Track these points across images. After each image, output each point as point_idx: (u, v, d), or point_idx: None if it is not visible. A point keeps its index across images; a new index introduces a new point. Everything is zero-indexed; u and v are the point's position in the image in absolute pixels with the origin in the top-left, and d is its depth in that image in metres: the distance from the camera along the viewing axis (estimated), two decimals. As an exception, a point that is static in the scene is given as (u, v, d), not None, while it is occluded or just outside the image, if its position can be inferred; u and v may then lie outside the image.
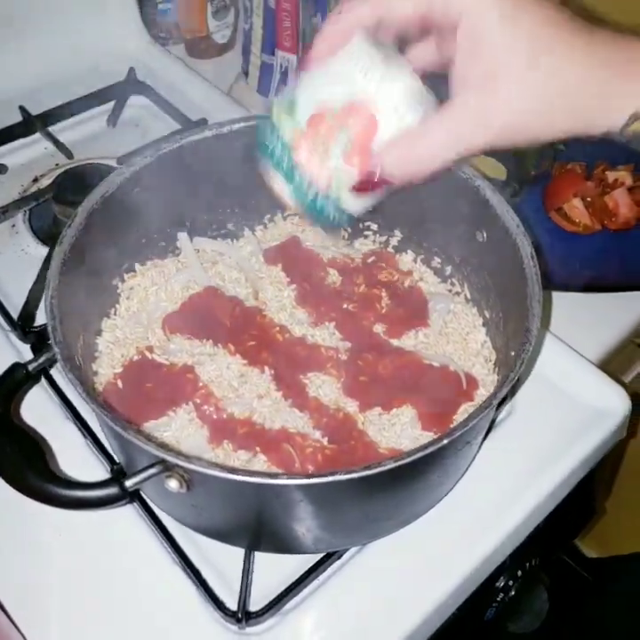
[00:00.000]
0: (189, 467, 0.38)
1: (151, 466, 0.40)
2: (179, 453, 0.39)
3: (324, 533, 0.48)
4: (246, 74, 0.88)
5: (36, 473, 0.37)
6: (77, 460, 0.55)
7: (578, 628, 0.75)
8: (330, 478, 0.38)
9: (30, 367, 0.45)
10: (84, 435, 0.56)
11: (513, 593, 0.58)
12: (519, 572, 0.58)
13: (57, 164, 0.80)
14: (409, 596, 0.50)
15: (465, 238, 0.57)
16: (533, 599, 0.63)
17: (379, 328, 0.60)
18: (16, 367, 0.44)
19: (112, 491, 0.39)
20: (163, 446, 0.40)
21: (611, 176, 0.76)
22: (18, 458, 0.38)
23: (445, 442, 0.39)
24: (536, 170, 0.75)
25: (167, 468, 0.40)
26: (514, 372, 0.43)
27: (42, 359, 0.45)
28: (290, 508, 0.43)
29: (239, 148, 0.58)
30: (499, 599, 0.58)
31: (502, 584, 0.58)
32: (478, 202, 0.53)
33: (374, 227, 0.66)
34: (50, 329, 0.43)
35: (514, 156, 0.56)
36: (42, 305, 0.63)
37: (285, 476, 0.39)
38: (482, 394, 0.55)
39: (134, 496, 0.49)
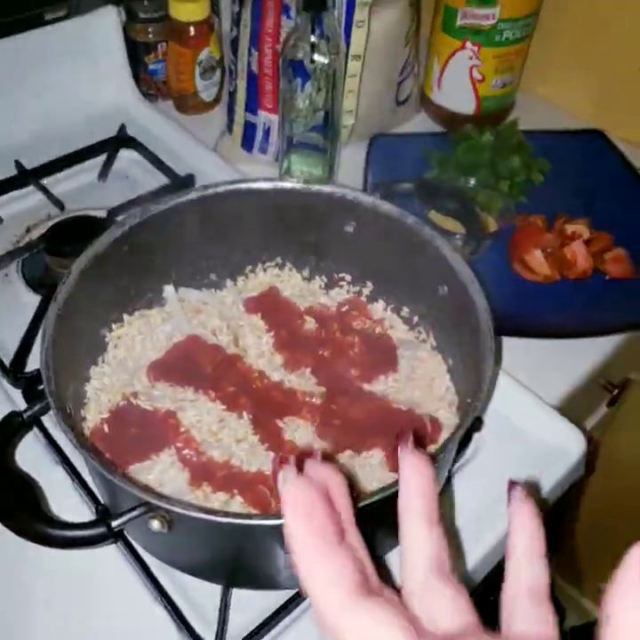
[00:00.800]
0: (171, 508, 0.42)
1: (135, 508, 0.43)
2: (161, 496, 0.43)
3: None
4: (231, 131, 0.93)
5: (30, 515, 0.41)
6: (66, 501, 0.58)
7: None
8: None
9: (25, 415, 0.48)
10: (71, 477, 0.59)
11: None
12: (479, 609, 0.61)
13: (49, 215, 0.84)
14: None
15: (429, 291, 0.62)
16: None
17: (352, 373, 0.65)
18: (12, 416, 0.48)
19: (100, 531, 0.42)
20: (146, 489, 0.43)
21: (569, 228, 0.82)
22: (14, 501, 0.41)
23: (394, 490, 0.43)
24: (500, 223, 0.80)
25: (150, 510, 0.43)
26: (466, 420, 0.47)
27: (36, 408, 0.49)
28: (264, 546, 0.46)
29: (222, 208, 0.63)
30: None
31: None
32: (439, 259, 0.58)
33: (348, 278, 0.70)
34: (45, 381, 0.47)
35: (472, 215, 0.60)
36: (33, 351, 0.68)
37: (259, 517, 0.42)
38: (445, 437, 0.59)
39: (119, 535, 0.52)
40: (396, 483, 0.43)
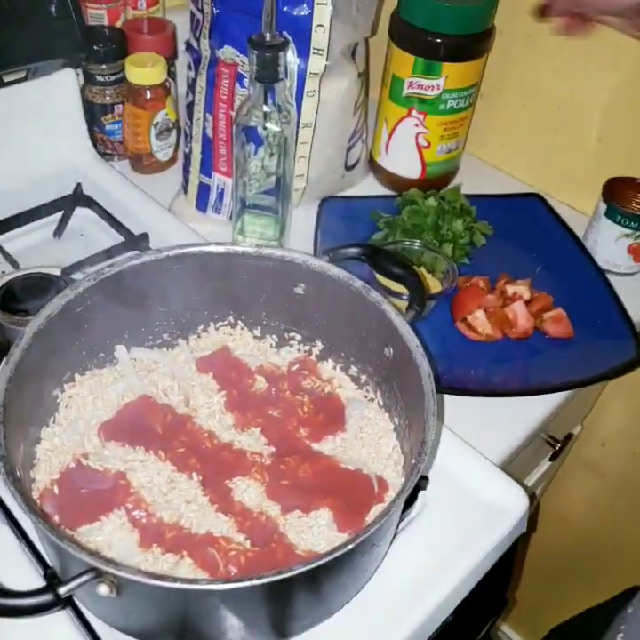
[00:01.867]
0: (118, 574, 0.42)
1: (84, 573, 0.44)
2: (109, 561, 0.43)
3: (242, 633, 0.51)
4: (186, 191, 0.95)
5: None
6: (11, 564, 0.57)
7: None
8: (242, 584, 0.42)
9: (-28, 479, 0.48)
10: (19, 539, 0.59)
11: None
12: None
13: (2, 272, 0.84)
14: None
15: (375, 352, 0.64)
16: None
17: (301, 432, 0.66)
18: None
19: (46, 598, 0.43)
20: (94, 554, 0.44)
21: (510, 289, 0.86)
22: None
23: (350, 547, 0.44)
24: (443, 285, 0.84)
25: (99, 574, 0.44)
26: (410, 481, 0.49)
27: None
28: (210, 609, 0.47)
29: (175, 270, 0.65)
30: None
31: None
32: (385, 322, 0.61)
33: (298, 337, 0.72)
34: (-6, 444, 0.48)
35: (416, 281, 0.64)
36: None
37: (204, 582, 0.43)
38: (391, 496, 0.60)
39: (67, 602, 0.52)
40: (334, 548, 0.45)
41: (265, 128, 0.79)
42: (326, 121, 0.89)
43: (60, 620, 0.54)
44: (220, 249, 0.66)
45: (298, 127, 0.86)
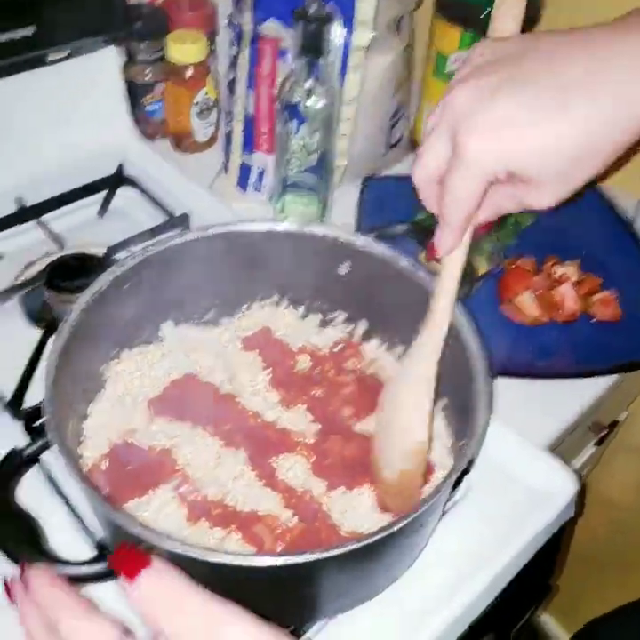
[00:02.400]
0: (169, 548, 0.42)
1: (135, 545, 0.44)
2: (160, 534, 0.43)
3: (286, 611, 0.52)
4: (226, 170, 0.95)
5: (34, 552, 0.41)
6: (63, 539, 0.58)
7: None
8: (294, 559, 0.42)
9: (25, 453, 0.49)
10: (70, 514, 0.59)
11: (469, 667, 0.61)
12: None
13: (48, 252, 0.85)
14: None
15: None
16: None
17: (345, 412, 0.66)
18: (13, 454, 0.49)
19: (101, 568, 0.43)
20: (145, 527, 0.44)
21: (558, 271, 0.84)
22: (16, 538, 0.42)
23: (395, 529, 0.44)
24: (489, 266, 0.82)
25: (150, 548, 0.44)
26: (461, 462, 0.48)
27: (37, 445, 0.49)
28: (257, 586, 0.47)
29: (220, 248, 0.65)
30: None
31: (459, 658, 0.61)
32: (433, 302, 0.60)
33: (342, 317, 0.71)
34: (46, 419, 0.48)
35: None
36: (32, 386, 0.68)
37: (255, 557, 0.43)
38: (438, 477, 0.60)
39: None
40: (383, 528, 0.44)
41: (307, 105, 0.79)
42: (369, 97, 0.88)
43: (110, 593, 0.55)
44: (264, 227, 0.65)
45: (341, 103, 0.85)
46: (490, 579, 0.59)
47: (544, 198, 0.49)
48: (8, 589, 0.41)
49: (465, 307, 0.59)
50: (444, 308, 0.55)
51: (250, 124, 0.89)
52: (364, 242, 0.64)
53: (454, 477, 0.48)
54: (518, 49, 0.47)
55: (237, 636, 0.34)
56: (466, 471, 0.62)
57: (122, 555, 0.38)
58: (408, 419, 0.57)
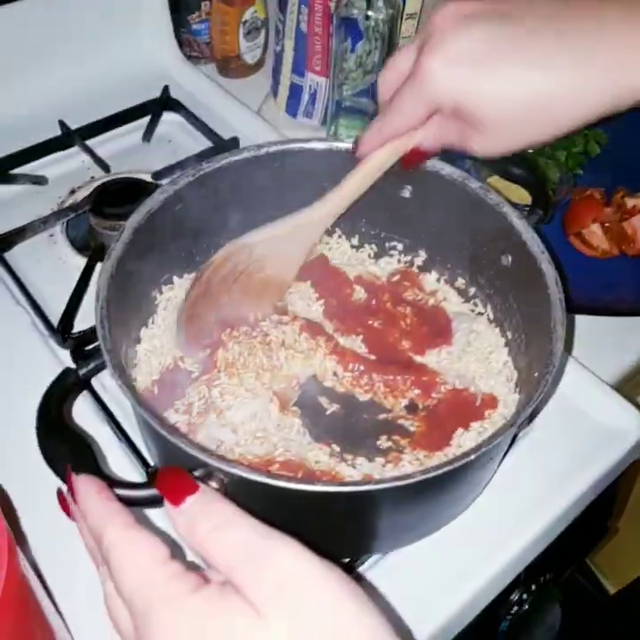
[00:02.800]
0: (232, 471, 0.40)
1: (194, 469, 0.42)
2: (221, 457, 0.41)
3: (349, 540, 0.50)
4: (275, 94, 0.91)
5: (87, 472, 0.39)
6: (111, 463, 0.57)
7: (590, 642, 0.76)
8: (364, 487, 0.40)
9: (80, 373, 0.47)
10: (120, 439, 0.58)
11: (526, 606, 0.60)
12: (533, 587, 0.60)
13: (92, 177, 0.83)
14: (425, 606, 0.51)
15: (490, 261, 0.60)
16: (546, 614, 0.65)
17: (404, 344, 0.63)
18: (68, 373, 0.47)
19: (150, 493, 0.41)
20: (205, 449, 0.42)
21: (629, 202, 0.79)
22: (72, 458, 0.40)
23: (472, 457, 0.41)
24: (556, 195, 0.77)
25: (208, 473, 0.42)
26: (538, 391, 0.45)
27: (91, 366, 0.48)
28: (321, 514, 0.45)
29: (274, 168, 0.61)
30: (512, 612, 0.60)
31: (516, 597, 0.60)
32: (504, 228, 0.56)
33: (400, 247, 0.68)
34: (100, 338, 0.46)
35: (541, 183, 0.58)
36: (80, 312, 0.67)
37: (321, 484, 0.41)
38: (501, 412, 0.57)
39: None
40: (457, 457, 0.42)
41: (367, 17, 0.73)
42: (431, 11, 0.82)
43: (160, 514, 0.54)
44: (322, 146, 0.61)
45: (401, 19, 0.79)
46: (553, 517, 0.56)
47: (486, 146, 0.47)
48: (61, 500, 0.40)
49: (540, 234, 0.55)
50: (342, 199, 0.57)
51: (302, 42, 0.84)
52: (431, 162, 0.59)
53: (530, 410, 0.45)
54: None
55: (286, 562, 0.32)
56: (537, 408, 0.59)
57: (167, 478, 0.37)
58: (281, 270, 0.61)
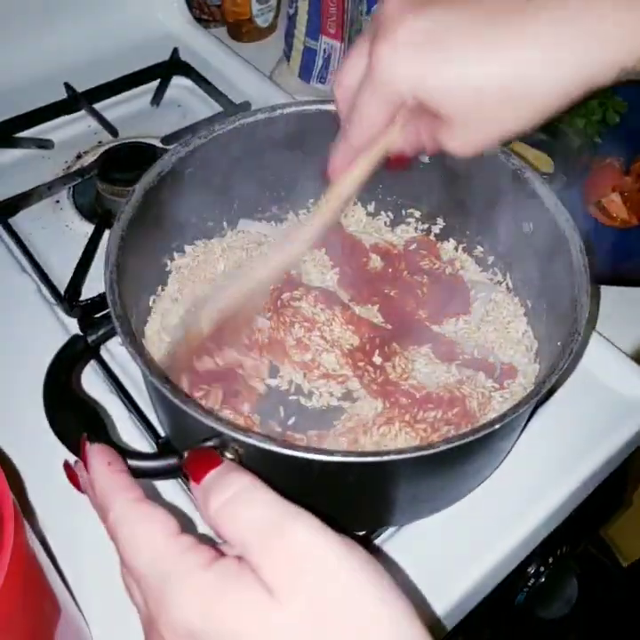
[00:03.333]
0: (248, 441, 0.39)
1: (208, 439, 0.41)
2: (236, 426, 0.40)
3: (367, 512, 0.49)
4: (288, 58, 0.88)
5: (98, 442, 0.38)
6: (123, 434, 0.56)
7: (607, 616, 0.76)
8: (383, 457, 0.39)
9: (89, 339, 0.46)
10: (128, 409, 0.57)
11: (543, 579, 0.59)
12: (550, 559, 0.59)
13: (100, 142, 0.81)
14: (442, 578, 0.51)
15: (510, 229, 0.58)
16: (563, 586, 0.64)
17: (421, 314, 0.61)
18: (76, 339, 0.46)
19: (171, 462, 0.40)
20: (220, 418, 0.41)
21: (648, 172, 0.77)
22: (80, 427, 0.39)
23: (497, 426, 0.40)
24: (576, 164, 0.75)
25: (223, 443, 0.41)
26: (563, 360, 0.43)
27: (100, 332, 0.46)
28: (338, 485, 0.44)
29: (289, 132, 0.59)
30: (529, 584, 0.59)
31: (533, 570, 0.59)
32: (526, 194, 0.54)
33: (417, 214, 0.66)
34: (110, 302, 0.44)
35: (565, 148, 0.56)
36: (87, 280, 0.65)
37: (339, 454, 0.40)
38: (521, 382, 0.55)
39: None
40: (482, 426, 0.41)
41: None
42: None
43: (172, 488, 0.53)
44: (339, 108, 0.59)
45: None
46: (571, 489, 0.55)
47: (456, 142, 0.42)
48: (69, 472, 0.38)
49: (563, 199, 0.53)
50: (310, 232, 0.51)
51: (316, 4, 0.81)
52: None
53: (554, 379, 0.43)
54: None
55: (302, 542, 0.31)
56: (558, 382, 0.58)
57: (196, 458, 0.36)
58: None
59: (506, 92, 0.38)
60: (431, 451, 0.39)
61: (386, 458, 0.39)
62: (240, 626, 0.29)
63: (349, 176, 0.48)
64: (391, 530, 0.53)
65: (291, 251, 0.51)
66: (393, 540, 0.52)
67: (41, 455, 0.47)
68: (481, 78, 0.38)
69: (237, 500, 0.33)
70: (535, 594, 0.60)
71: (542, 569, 0.59)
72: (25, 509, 0.41)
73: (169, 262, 0.60)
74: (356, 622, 0.29)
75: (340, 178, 0.48)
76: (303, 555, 0.30)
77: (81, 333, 0.47)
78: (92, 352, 0.48)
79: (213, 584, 0.30)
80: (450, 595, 0.50)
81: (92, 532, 0.51)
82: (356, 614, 0.29)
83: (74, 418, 0.41)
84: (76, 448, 0.40)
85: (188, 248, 0.61)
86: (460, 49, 0.38)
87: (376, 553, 0.51)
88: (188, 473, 0.35)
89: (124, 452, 0.40)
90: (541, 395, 0.43)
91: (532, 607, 0.63)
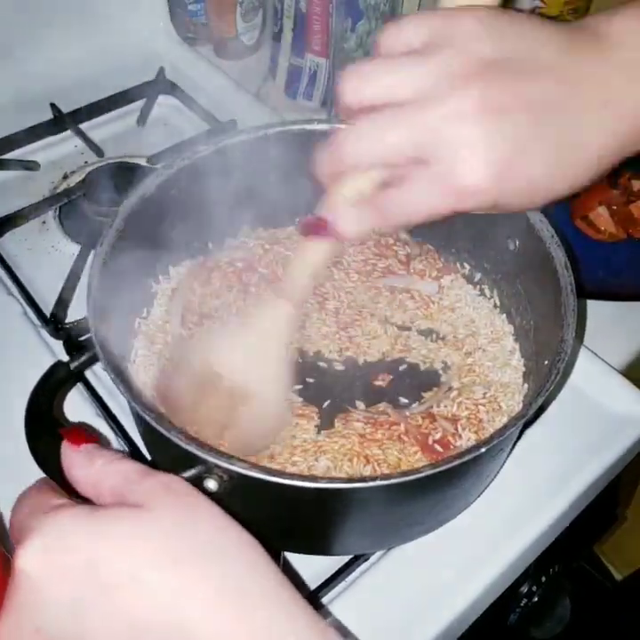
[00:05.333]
0: (231, 468, 0.39)
1: (191, 466, 0.40)
2: (220, 453, 0.40)
3: (354, 536, 0.48)
4: (274, 76, 0.88)
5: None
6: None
7: (600, 634, 0.76)
8: (369, 483, 0.38)
9: (72, 366, 0.45)
10: (115, 433, 0.56)
11: (536, 599, 0.59)
12: (543, 578, 0.59)
13: (86, 162, 0.80)
14: (434, 600, 0.50)
15: (496, 246, 0.58)
16: (556, 605, 0.64)
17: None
18: (58, 366, 0.45)
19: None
20: (204, 445, 0.40)
21: (635, 184, 0.77)
22: (59, 456, 0.38)
23: (483, 449, 0.40)
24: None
25: (207, 469, 0.40)
26: (549, 382, 0.43)
27: (83, 358, 0.46)
28: (324, 510, 0.44)
29: (272, 152, 0.59)
30: (522, 604, 0.59)
31: (526, 590, 0.58)
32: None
33: (403, 236, 0.66)
34: (92, 329, 0.44)
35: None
36: (73, 302, 0.65)
37: (325, 481, 0.39)
38: (509, 402, 0.55)
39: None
40: (467, 450, 0.40)
41: (369, -6, 0.71)
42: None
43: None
44: (325, 127, 0.59)
45: (403, -3, 0.77)
46: (563, 507, 0.55)
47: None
48: None
49: (548, 216, 0.53)
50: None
51: (301, 22, 0.82)
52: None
53: (541, 400, 0.43)
54: (517, 49, 0.38)
55: (180, 483, 0.34)
56: (547, 400, 0.58)
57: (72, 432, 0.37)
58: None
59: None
60: (416, 476, 0.39)
61: (371, 484, 0.39)
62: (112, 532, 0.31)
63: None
64: (380, 552, 0.52)
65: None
66: (382, 563, 0.52)
67: (24, 482, 0.46)
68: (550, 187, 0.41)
69: (116, 460, 0.35)
70: (528, 614, 0.59)
71: (535, 588, 0.58)
72: (3, 537, 0.41)
73: (154, 284, 0.59)
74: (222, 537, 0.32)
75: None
76: (176, 483, 0.34)
77: (64, 360, 0.47)
78: (76, 378, 0.47)
79: (92, 510, 0.32)
80: (441, 617, 0.50)
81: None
82: (221, 531, 0.33)
83: (55, 446, 0.40)
84: (54, 476, 0.40)
85: (172, 270, 0.60)
86: (546, 166, 0.39)
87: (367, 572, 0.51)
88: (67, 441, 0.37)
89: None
90: (528, 416, 0.42)
91: (525, 627, 0.62)
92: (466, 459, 0.39)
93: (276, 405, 0.52)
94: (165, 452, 0.47)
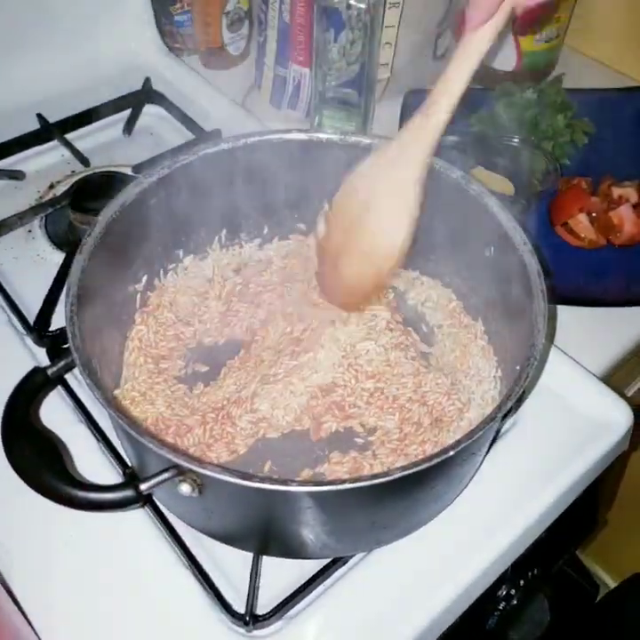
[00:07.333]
0: (203, 472, 0.39)
1: (165, 470, 0.41)
2: (192, 458, 0.40)
3: (331, 539, 0.49)
4: (259, 86, 0.89)
5: (54, 475, 0.38)
6: (91, 464, 0.56)
7: (578, 638, 0.76)
8: (339, 486, 0.39)
9: (49, 372, 0.46)
10: (97, 439, 0.57)
11: (514, 602, 0.59)
12: (521, 582, 0.59)
13: (73, 171, 0.81)
14: (412, 603, 0.51)
15: (473, 253, 0.59)
16: (534, 609, 0.64)
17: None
18: (36, 371, 0.46)
19: (127, 494, 0.40)
20: (176, 450, 0.41)
21: (616, 192, 0.78)
22: (37, 460, 0.39)
23: (451, 453, 0.40)
24: (542, 185, 0.76)
25: (180, 473, 0.41)
26: (518, 386, 0.44)
27: (60, 364, 0.46)
28: (299, 513, 0.44)
29: (254, 160, 0.60)
30: (500, 608, 0.59)
31: (504, 593, 0.59)
32: (487, 219, 0.55)
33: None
34: (69, 335, 0.45)
35: (523, 173, 0.57)
36: (57, 309, 0.65)
37: (296, 484, 0.40)
38: (483, 406, 0.56)
39: (147, 499, 0.50)
40: (436, 453, 0.41)
41: (349, 6, 0.72)
42: (415, 2, 0.80)
43: (141, 518, 0.53)
44: (303, 136, 0.60)
45: (384, 8, 0.78)
46: (539, 512, 0.55)
47: None
48: None
49: (522, 223, 0.54)
50: (451, 93, 0.48)
51: (285, 33, 0.83)
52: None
53: (511, 403, 0.44)
54: None
55: None
56: (519, 400, 0.58)
57: None
58: (390, 222, 0.51)
59: None
60: (386, 478, 0.39)
61: (341, 486, 0.39)
62: None
63: (485, 33, 0.46)
64: (359, 556, 0.53)
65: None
66: (361, 565, 0.52)
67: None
68: None
69: None
70: (506, 617, 0.60)
71: (513, 592, 0.59)
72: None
73: (137, 291, 0.60)
74: None
75: (475, 36, 0.47)
76: None
77: (41, 366, 0.47)
78: (53, 384, 0.48)
79: None
80: (418, 620, 0.50)
81: (54, 564, 0.51)
82: None
83: (31, 451, 0.41)
84: (32, 481, 0.40)
85: (154, 277, 0.61)
86: None
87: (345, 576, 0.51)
88: None
89: (81, 485, 0.40)
90: (497, 421, 0.43)
91: (503, 631, 0.63)
92: (434, 462, 0.40)
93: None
94: (142, 457, 0.48)
